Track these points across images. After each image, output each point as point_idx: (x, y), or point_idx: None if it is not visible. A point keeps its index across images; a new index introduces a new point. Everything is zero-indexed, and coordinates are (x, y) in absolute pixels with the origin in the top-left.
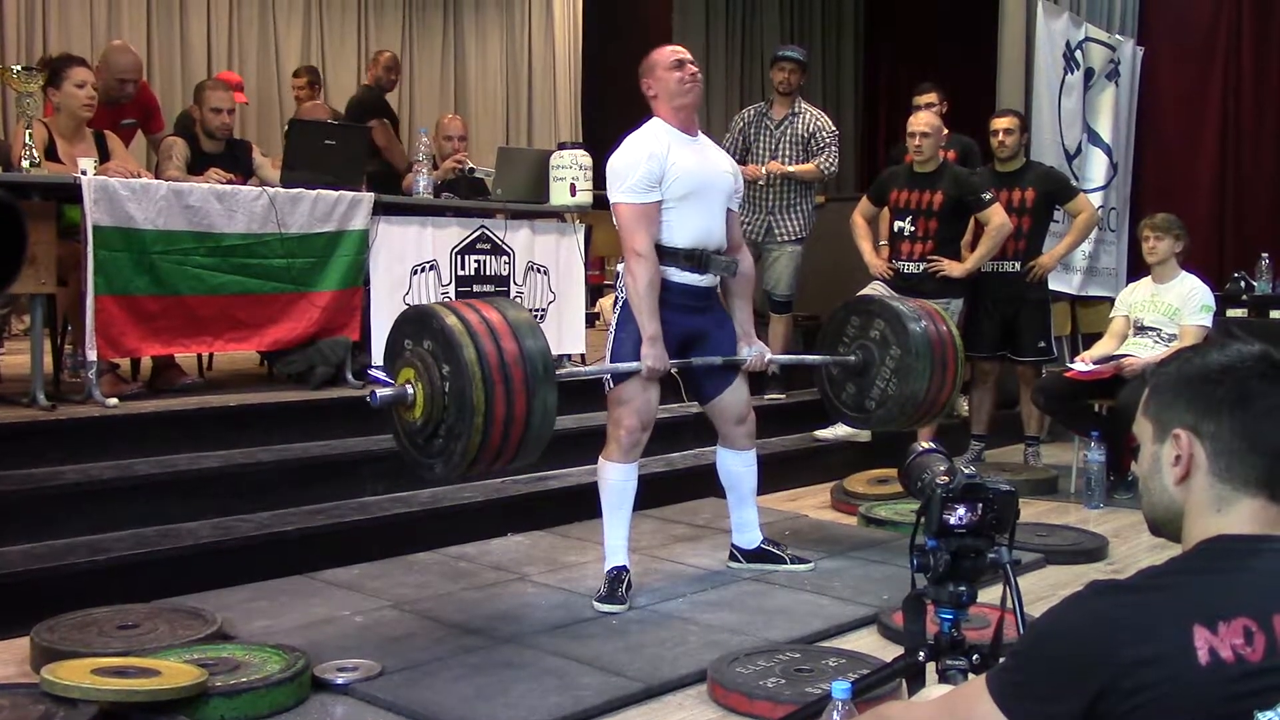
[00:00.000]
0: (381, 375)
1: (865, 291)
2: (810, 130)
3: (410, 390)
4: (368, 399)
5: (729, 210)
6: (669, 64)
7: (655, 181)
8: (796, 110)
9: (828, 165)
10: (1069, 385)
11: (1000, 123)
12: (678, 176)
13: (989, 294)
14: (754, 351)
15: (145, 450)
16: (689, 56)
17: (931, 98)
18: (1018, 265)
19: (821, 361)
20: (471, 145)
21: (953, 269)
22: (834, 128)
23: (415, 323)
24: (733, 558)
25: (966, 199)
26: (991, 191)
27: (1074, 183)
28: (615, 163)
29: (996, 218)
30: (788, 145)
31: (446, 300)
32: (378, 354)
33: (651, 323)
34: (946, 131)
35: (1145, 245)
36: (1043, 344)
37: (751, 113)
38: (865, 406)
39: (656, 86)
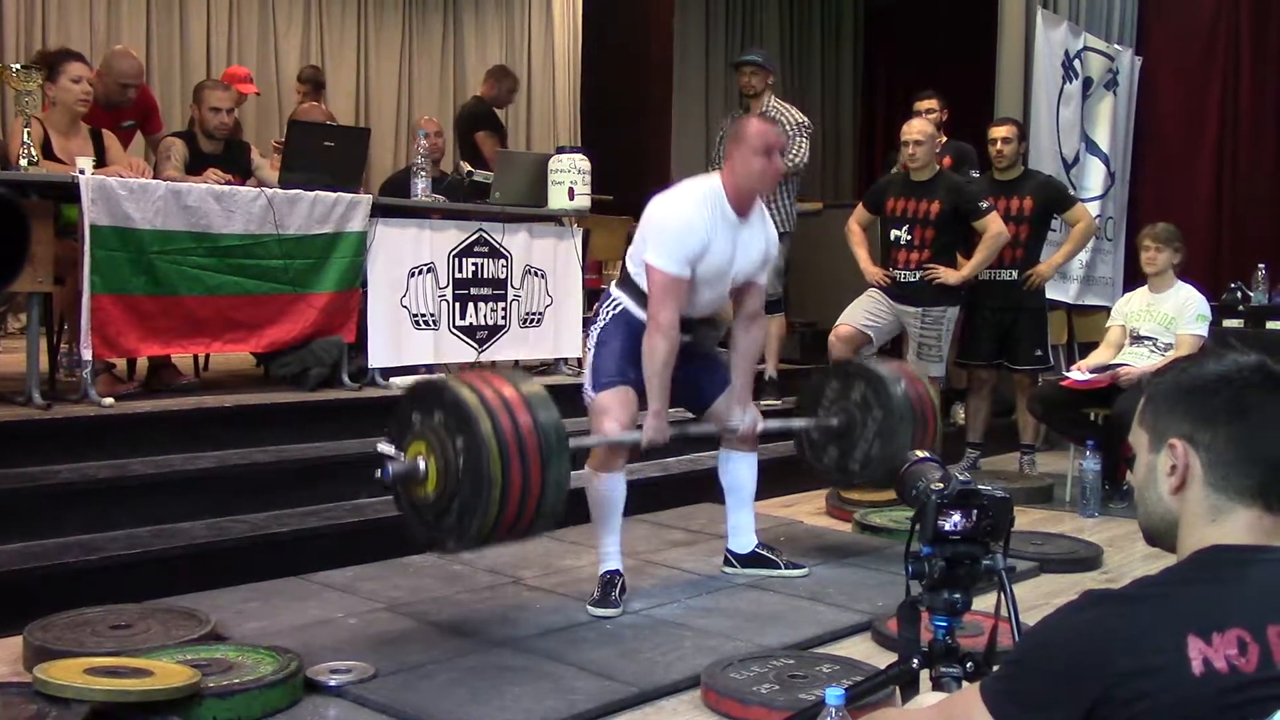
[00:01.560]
0: (389, 449)
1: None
2: None
3: (422, 465)
4: (378, 475)
5: (753, 283)
6: (758, 148)
7: (693, 259)
8: (765, 109)
9: (792, 158)
10: (1065, 394)
11: (999, 131)
12: (707, 266)
13: (986, 302)
14: (747, 419)
15: (140, 450)
16: (782, 144)
17: (931, 104)
18: (1015, 274)
19: (804, 427)
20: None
21: (949, 276)
22: (800, 118)
23: (425, 396)
24: (727, 563)
25: (963, 208)
26: (988, 200)
27: (1072, 192)
28: (667, 221)
29: (994, 226)
30: None
31: (457, 374)
32: (374, 356)
33: (661, 397)
34: (942, 138)
35: (1144, 255)
36: (1039, 353)
37: (729, 121)
38: (848, 469)
39: (736, 158)
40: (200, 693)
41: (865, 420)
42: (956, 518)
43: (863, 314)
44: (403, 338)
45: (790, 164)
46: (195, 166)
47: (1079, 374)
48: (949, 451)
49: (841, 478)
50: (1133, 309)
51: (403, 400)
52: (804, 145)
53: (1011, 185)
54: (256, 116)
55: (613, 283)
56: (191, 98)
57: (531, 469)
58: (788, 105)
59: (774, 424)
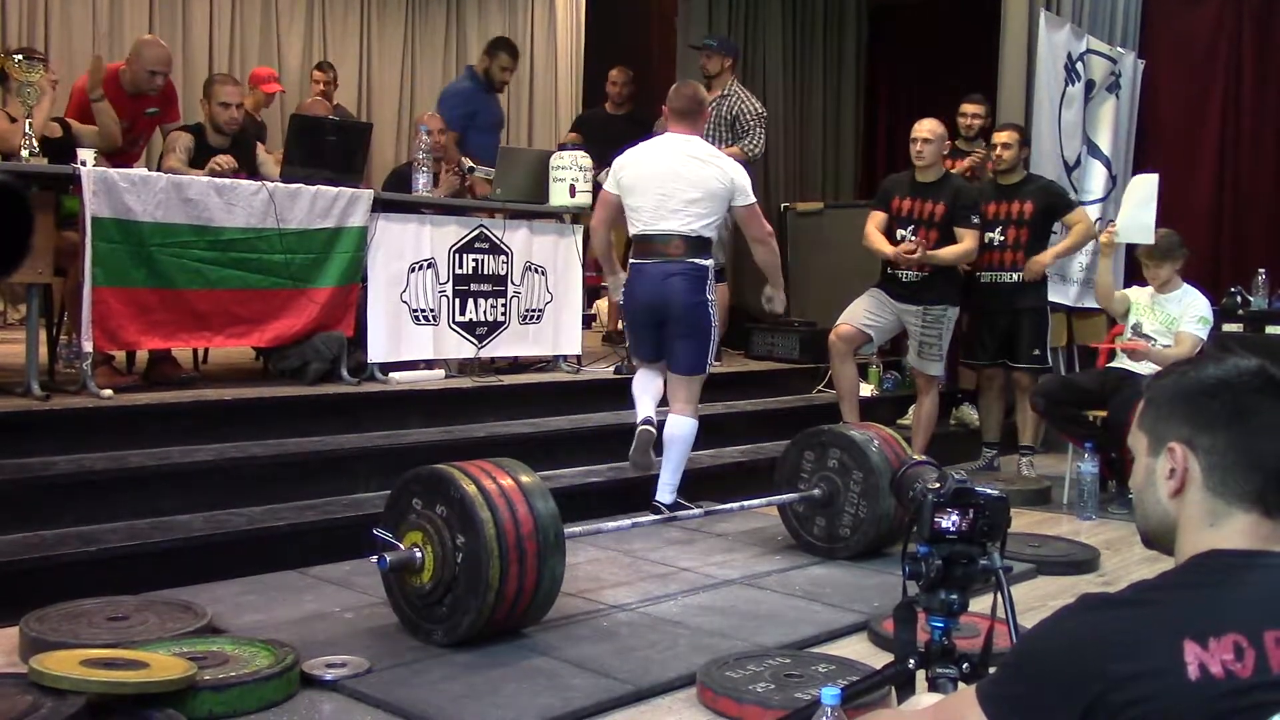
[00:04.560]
0: (387, 536)
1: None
2: (735, 113)
3: (419, 554)
4: (375, 562)
5: None
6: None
7: None
8: (726, 92)
9: (751, 147)
10: (1067, 392)
11: (1000, 136)
12: None
13: (989, 304)
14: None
15: (139, 442)
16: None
17: (978, 109)
18: (1017, 276)
19: (787, 500)
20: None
21: (912, 250)
22: (759, 109)
23: (427, 484)
24: (655, 510)
25: (955, 209)
26: (979, 217)
27: (1072, 196)
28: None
29: (968, 243)
30: (713, 126)
31: (458, 464)
32: (373, 351)
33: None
34: (949, 141)
35: (1146, 272)
36: (1037, 352)
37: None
38: (839, 535)
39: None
40: (196, 685)
41: (847, 484)
42: (954, 516)
43: (863, 313)
44: (402, 333)
45: (748, 152)
46: (202, 160)
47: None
48: (954, 450)
49: (833, 547)
50: (1139, 300)
51: (402, 484)
52: (760, 135)
53: (1012, 190)
54: (261, 112)
55: (693, 257)
56: (201, 93)
57: (528, 572)
58: (748, 92)
59: (756, 501)
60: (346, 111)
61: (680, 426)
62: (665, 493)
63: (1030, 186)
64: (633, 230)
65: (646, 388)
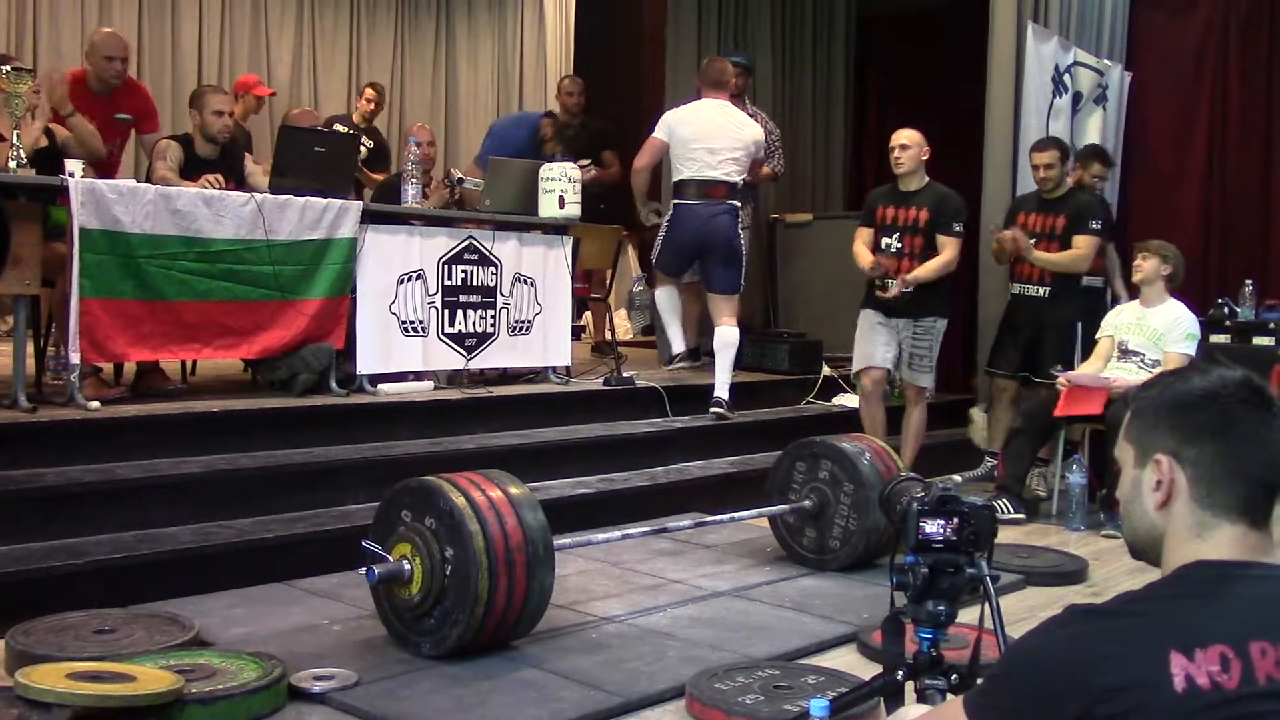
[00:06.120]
0: (375, 548)
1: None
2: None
3: (407, 566)
4: (363, 575)
5: None
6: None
7: None
8: (749, 113)
9: (778, 168)
10: (1049, 423)
11: (1040, 158)
12: None
13: (1014, 314)
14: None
15: (126, 454)
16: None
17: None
18: (1045, 291)
19: (777, 512)
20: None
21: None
22: (776, 129)
23: (416, 496)
24: (715, 404)
25: (938, 216)
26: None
27: (1093, 224)
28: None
29: (949, 253)
30: None
31: (447, 476)
32: (362, 362)
33: None
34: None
35: (1133, 264)
36: (1060, 367)
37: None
38: (829, 547)
39: None
40: (183, 698)
41: (838, 496)
42: (939, 523)
43: (879, 348)
44: (391, 344)
45: (778, 171)
46: (190, 170)
47: (1067, 376)
48: (950, 460)
49: (823, 559)
50: (1122, 321)
51: (391, 496)
52: (781, 155)
53: (1056, 204)
54: (250, 120)
55: (730, 199)
56: (189, 104)
57: (517, 585)
58: (762, 113)
59: (747, 513)
60: (378, 132)
61: (728, 335)
62: (724, 390)
63: (1070, 200)
64: (678, 175)
65: (674, 307)
